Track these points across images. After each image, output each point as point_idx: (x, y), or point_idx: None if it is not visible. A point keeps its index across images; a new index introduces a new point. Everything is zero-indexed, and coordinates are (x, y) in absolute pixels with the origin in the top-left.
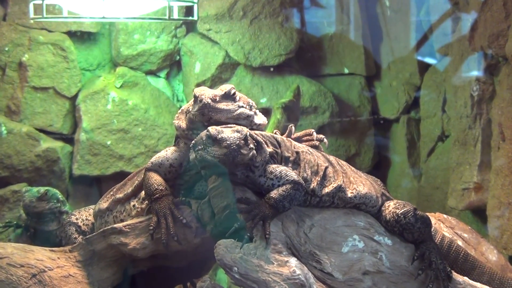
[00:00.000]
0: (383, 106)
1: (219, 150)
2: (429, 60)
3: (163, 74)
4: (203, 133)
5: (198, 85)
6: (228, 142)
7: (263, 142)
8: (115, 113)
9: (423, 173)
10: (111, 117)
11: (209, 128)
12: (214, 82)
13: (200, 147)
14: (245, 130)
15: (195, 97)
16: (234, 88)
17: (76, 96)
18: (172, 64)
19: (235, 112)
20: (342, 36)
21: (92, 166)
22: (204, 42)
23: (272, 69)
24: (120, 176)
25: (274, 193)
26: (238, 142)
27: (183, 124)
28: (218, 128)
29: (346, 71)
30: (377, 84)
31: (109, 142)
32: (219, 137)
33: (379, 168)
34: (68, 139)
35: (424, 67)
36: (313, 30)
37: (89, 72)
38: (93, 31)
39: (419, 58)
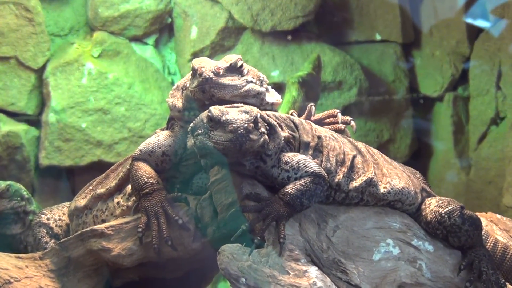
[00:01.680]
0: (423, 81)
1: (224, 135)
2: (480, 23)
3: (151, 40)
4: (204, 114)
5: (194, 54)
6: (234, 125)
7: (277, 125)
8: (91, 89)
9: (473, 164)
10: (87, 93)
11: (211, 108)
12: (214, 50)
13: (200, 131)
14: (255, 110)
15: (194, 70)
16: (241, 59)
17: (43, 67)
18: (162, 28)
19: (243, 89)
20: None
21: (63, 154)
22: (202, 0)
23: (289, 37)
24: (98, 167)
25: (290, 188)
26: (246, 125)
27: (178, 103)
28: (222, 108)
29: (378, 37)
30: (416, 54)
31: (84, 125)
32: (224, 118)
33: (418, 157)
34: (34, 121)
35: (474, 33)
36: None
37: (60, 38)
38: None
39: (469, 21)
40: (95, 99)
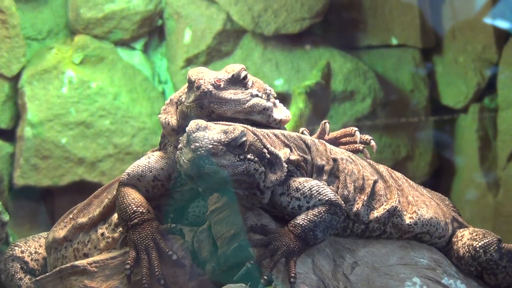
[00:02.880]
0: (445, 91)
1: (187, 154)
2: (510, 26)
3: (139, 45)
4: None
5: (188, 60)
6: (197, 144)
7: (285, 148)
8: (72, 100)
9: (502, 184)
10: (67, 105)
11: (192, 121)
12: (210, 56)
13: (180, 146)
14: (243, 132)
15: (190, 82)
16: (245, 69)
17: (18, 75)
18: (152, 31)
19: (247, 104)
20: None
21: (40, 173)
22: (197, 0)
23: (308, 47)
24: (80, 187)
25: (301, 219)
26: (210, 146)
27: (172, 120)
28: (204, 123)
29: (395, 41)
30: (437, 60)
31: (64, 140)
32: (193, 135)
33: (439, 176)
34: (8, 136)
35: (503, 37)
36: None
37: (37, 42)
38: None
39: (496, 23)
40: (76, 111)
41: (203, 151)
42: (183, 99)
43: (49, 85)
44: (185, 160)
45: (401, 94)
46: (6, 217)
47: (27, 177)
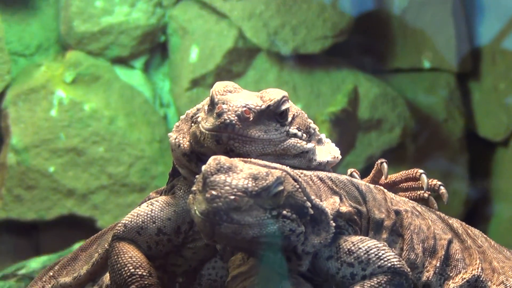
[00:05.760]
0: (483, 121)
1: (201, 203)
2: None
3: (139, 63)
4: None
5: (194, 82)
6: (214, 192)
7: (333, 196)
8: (62, 123)
9: None
10: (57, 129)
11: (213, 157)
12: (219, 77)
13: (195, 189)
14: (279, 179)
15: (212, 102)
16: (287, 99)
17: (2, 95)
18: (153, 48)
19: (279, 146)
20: (421, 10)
21: (24, 205)
22: (206, 14)
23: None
24: (69, 222)
25: None
26: (231, 198)
27: (184, 141)
28: (228, 162)
29: (427, 65)
30: (474, 87)
31: (52, 169)
32: (211, 179)
33: (473, 218)
34: None
35: None
36: (376, 0)
37: (24, 59)
38: None
39: None
40: (66, 136)
41: (221, 204)
42: (200, 119)
43: (37, 106)
44: (197, 212)
45: (433, 123)
46: None
47: (9, 209)
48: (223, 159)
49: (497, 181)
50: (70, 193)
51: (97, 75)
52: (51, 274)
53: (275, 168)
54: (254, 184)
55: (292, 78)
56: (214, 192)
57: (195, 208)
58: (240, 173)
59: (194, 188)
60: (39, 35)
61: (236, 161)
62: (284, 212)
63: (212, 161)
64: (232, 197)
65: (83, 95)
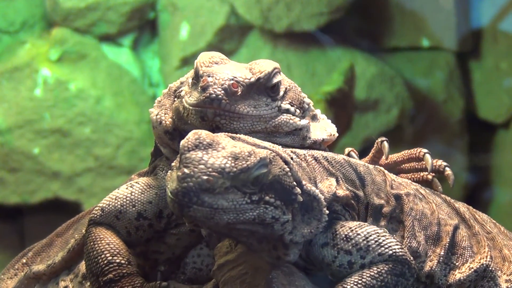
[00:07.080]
0: (483, 102)
1: (174, 182)
2: None
3: (127, 41)
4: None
5: (184, 60)
6: (186, 170)
7: (329, 178)
8: (47, 103)
9: None
10: (41, 109)
11: (193, 131)
12: None
13: (173, 165)
14: (264, 160)
15: (197, 74)
16: (279, 71)
17: None
18: (142, 25)
19: (270, 122)
20: None
21: (7, 188)
22: None
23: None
24: (54, 206)
25: (354, 282)
26: (203, 177)
27: (167, 118)
28: (210, 136)
29: (426, 43)
30: (475, 66)
31: (36, 151)
32: (186, 155)
33: (473, 202)
34: None
35: None
36: None
37: (8, 36)
38: None
39: None
40: (51, 117)
41: (192, 184)
42: (183, 93)
43: (21, 85)
44: (168, 191)
45: (432, 104)
46: None
47: None
48: (204, 134)
49: (498, 164)
50: (55, 175)
51: (84, 53)
52: (24, 261)
53: (265, 147)
54: (233, 164)
55: (286, 57)
56: (186, 171)
57: (168, 186)
58: (221, 151)
59: (173, 164)
60: (24, 11)
61: (221, 137)
62: (267, 197)
63: (192, 135)
64: (205, 177)
65: (69, 74)
